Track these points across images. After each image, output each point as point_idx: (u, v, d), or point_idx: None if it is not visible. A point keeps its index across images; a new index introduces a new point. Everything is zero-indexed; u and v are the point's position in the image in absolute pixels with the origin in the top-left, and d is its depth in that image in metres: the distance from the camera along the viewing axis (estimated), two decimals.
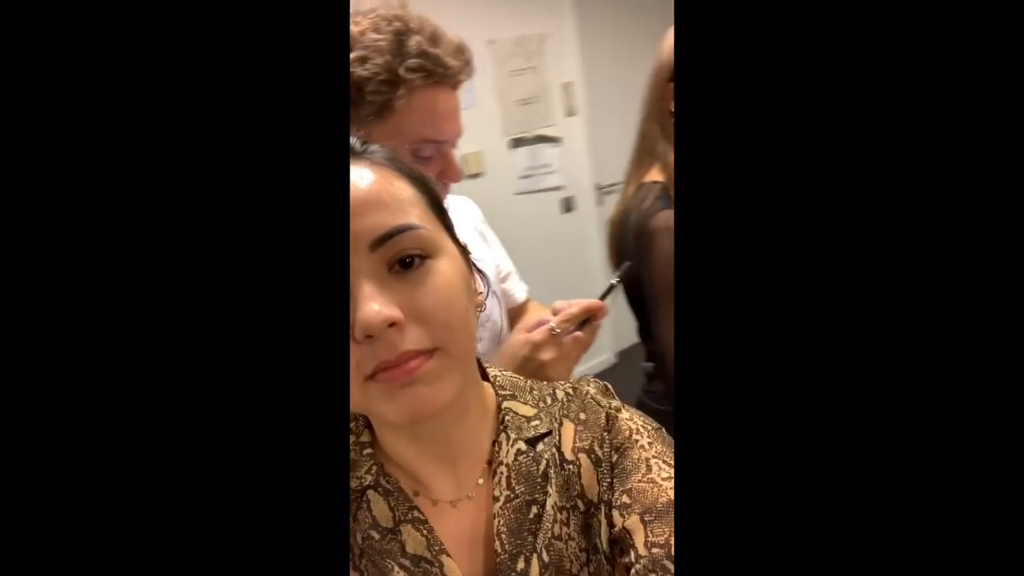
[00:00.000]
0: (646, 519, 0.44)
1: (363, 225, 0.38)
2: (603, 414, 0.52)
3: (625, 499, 0.46)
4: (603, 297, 0.77)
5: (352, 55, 0.68)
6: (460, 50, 0.73)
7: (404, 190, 0.42)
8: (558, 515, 0.47)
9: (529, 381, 0.56)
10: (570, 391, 0.54)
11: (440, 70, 0.71)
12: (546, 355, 0.71)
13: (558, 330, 0.71)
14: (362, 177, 0.40)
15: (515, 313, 1.04)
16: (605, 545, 0.47)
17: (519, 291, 1.04)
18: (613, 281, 0.80)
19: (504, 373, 0.56)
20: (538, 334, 0.71)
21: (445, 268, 0.42)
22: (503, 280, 1.00)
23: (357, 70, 0.68)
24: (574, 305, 0.73)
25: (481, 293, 0.49)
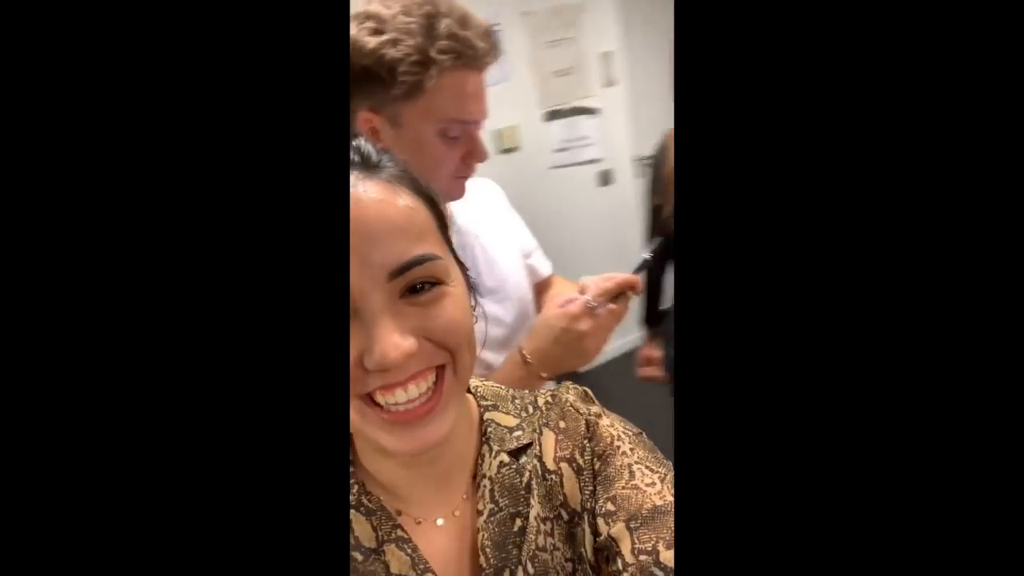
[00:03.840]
0: (631, 526, 0.44)
1: (382, 253, 0.38)
2: (583, 422, 0.52)
3: (609, 506, 0.46)
4: (636, 271, 0.78)
5: (384, 37, 0.70)
6: (488, 33, 0.75)
7: (420, 212, 0.41)
8: (542, 526, 0.47)
9: (511, 390, 0.56)
10: (550, 399, 0.55)
11: (469, 52, 0.72)
12: (583, 326, 0.74)
13: (594, 303, 0.74)
14: (380, 198, 0.39)
15: (539, 288, 1.06)
16: (590, 554, 0.47)
17: (543, 266, 1.07)
18: (646, 256, 0.80)
19: (486, 383, 0.56)
20: (575, 307, 0.75)
21: (454, 292, 0.42)
22: (528, 257, 1.03)
23: (389, 51, 0.70)
24: (609, 279, 0.76)
25: (475, 308, 0.50)
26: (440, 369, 0.42)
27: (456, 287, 0.43)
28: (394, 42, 0.70)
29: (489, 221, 0.95)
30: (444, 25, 0.71)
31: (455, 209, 0.92)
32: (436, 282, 0.41)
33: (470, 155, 0.79)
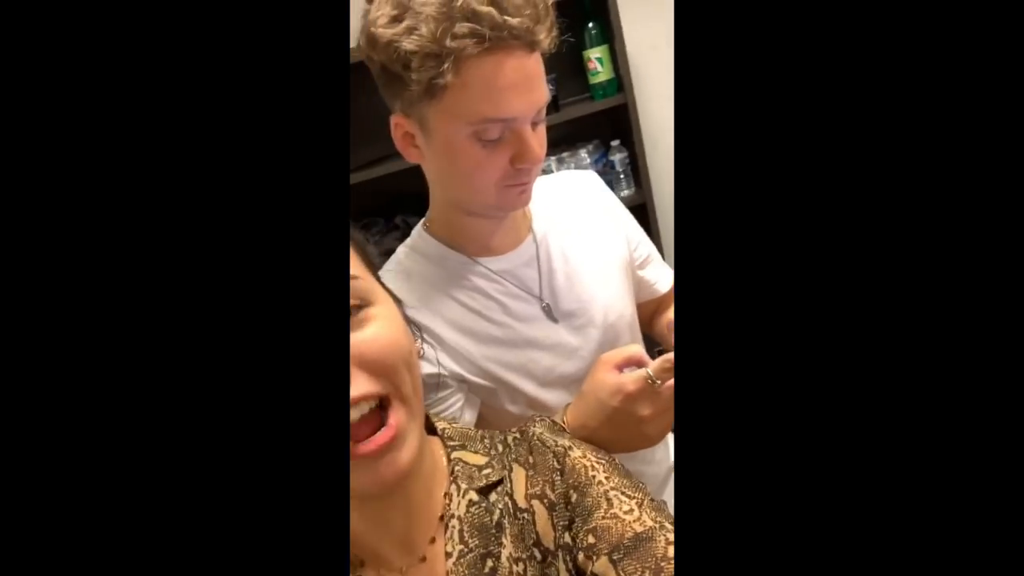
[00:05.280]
0: (615, 558, 0.43)
1: None
2: (551, 456, 0.50)
3: (591, 539, 0.45)
4: None
5: (400, 26, 0.57)
6: (531, 2, 0.57)
7: None
8: (514, 567, 0.46)
9: (480, 431, 0.54)
10: (518, 435, 0.53)
11: (496, 32, 0.56)
12: (644, 410, 0.57)
13: (657, 381, 0.56)
14: None
15: (656, 307, 0.88)
16: None
17: (662, 279, 0.86)
18: None
19: (453, 425, 0.54)
20: (632, 383, 0.57)
21: (383, 312, 0.41)
22: (640, 267, 0.84)
23: (404, 43, 0.57)
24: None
25: (417, 342, 0.47)
26: (384, 400, 0.41)
27: (385, 309, 0.42)
28: (409, 31, 0.56)
29: (575, 226, 0.79)
30: (460, 3, 0.55)
31: (535, 212, 0.78)
32: (362, 304, 0.40)
33: (518, 157, 0.63)
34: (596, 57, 1.63)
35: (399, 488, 0.43)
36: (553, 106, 1.68)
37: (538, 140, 0.64)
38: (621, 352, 0.62)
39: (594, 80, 1.66)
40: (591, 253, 0.78)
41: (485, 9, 0.55)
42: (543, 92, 0.62)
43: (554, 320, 0.75)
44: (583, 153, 1.74)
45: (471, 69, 0.57)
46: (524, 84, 0.60)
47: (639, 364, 0.60)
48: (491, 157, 0.62)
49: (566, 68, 1.72)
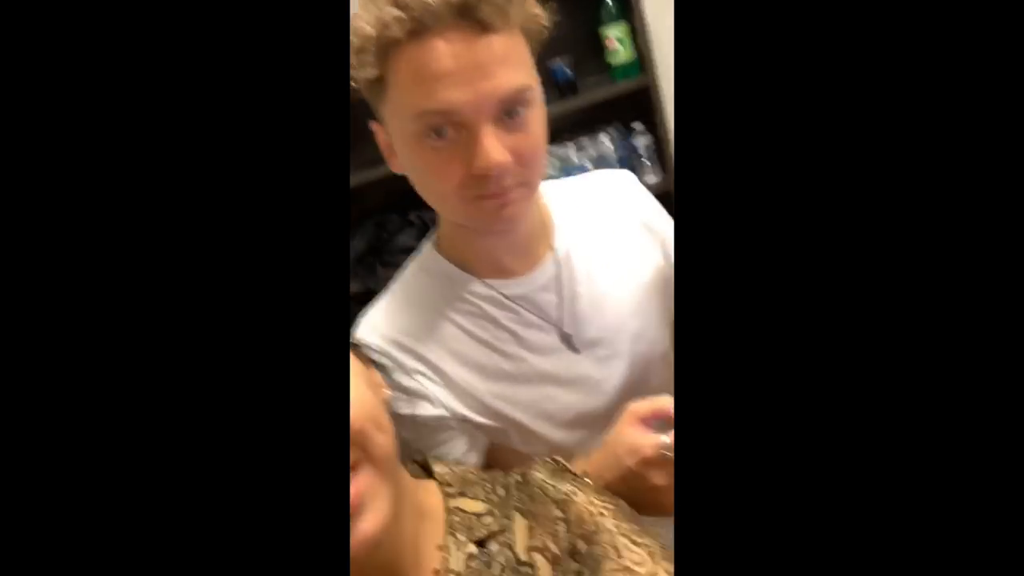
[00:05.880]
0: None
1: None
2: (552, 505, 0.47)
3: None
4: None
5: (357, 22, 0.51)
6: None
7: None
8: None
9: (480, 474, 0.52)
10: (519, 479, 0.50)
11: (423, 13, 0.47)
12: (658, 479, 0.53)
13: (670, 455, 0.53)
14: None
15: None
16: None
17: None
18: None
19: (453, 469, 0.52)
20: (651, 447, 0.53)
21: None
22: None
23: (353, 39, 0.51)
24: None
25: (383, 387, 0.44)
26: (353, 465, 0.38)
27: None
28: (354, 28, 0.51)
29: (604, 240, 0.68)
30: None
31: (557, 224, 0.67)
32: None
33: (472, 161, 0.52)
34: (615, 36, 1.53)
35: (375, 553, 0.40)
36: (571, 89, 1.59)
37: (508, 140, 0.52)
38: (651, 404, 0.56)
39: (613, 60, 1.56)
40: (622, 273, 0.68)
41: None
42: (506, 79, 0.50)
43: (575, 350, 0.65)
44: (603, 138, 1.65)
45: (400, 59, 0.50)
46: (468, 71, 0.49)
47: (668, 418, 0.55)
48: (443, 160, 0.52)
49: (583, 48, 1.62)
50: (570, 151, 1.63)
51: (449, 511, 0.48)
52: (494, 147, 0.51)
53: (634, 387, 0.65)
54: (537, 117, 0.55)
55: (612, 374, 0.66)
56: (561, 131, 1.68)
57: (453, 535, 0.46)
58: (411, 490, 0.47)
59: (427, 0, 0.47)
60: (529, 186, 0.57)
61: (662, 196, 1.79)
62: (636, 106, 1.65)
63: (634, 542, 0.46)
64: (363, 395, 0.40)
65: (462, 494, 0.49)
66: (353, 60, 0.51)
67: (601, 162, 1.65)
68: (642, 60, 1.52)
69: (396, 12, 0.48)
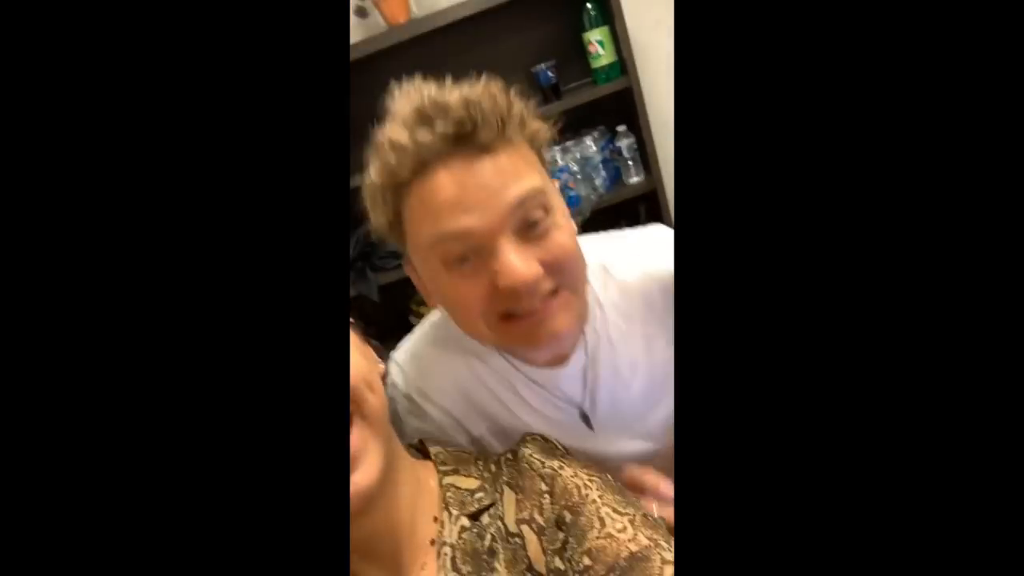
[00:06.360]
0: None
1: None
2: (538, 479, 0.50)
3: (586, 560, 0.45)
4: None
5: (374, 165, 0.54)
6: (465, 104, 0.48)
7: None
8: None
9: (475, 453, 0.55)
10: (510, 456, 0.53)
11: (421, 151, 0.49)
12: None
13: (657, 517, 0.52)
14: None
15: None
16: None
17: None
18: None
19: (447, 449, 0.54)
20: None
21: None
22: None
23: (365, 192, 0.56)
24: None
25: (379, 362, 0.46)
26: None
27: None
28: (364, 182, 0.54)
29: (631, 327, 0.64)
30: (387, 138, 0.50)
31: (591, 307, 0.64)
32: None
33: (497, 278, 0.50)
34: (596, 40, 1.56)
35: (371, 516, 0.43)
36: (555, 93, 1.62)
37: (534, 251, 0.50)
38: (645, 477, 0.59)
39: (596, 64, 1.59)
40: (646, 363, 0.65)
41: (401, 140, 0.49)
42: (514, 189, 0.49)
43: (590, 427, 0.66)
44: (588, 141, 1.68)
45: (411, 197, 0.51)
46: (473, 193, 0.48)
47: (660, 496, 0.58)
48: (470, 286, 0.51)
49: (567, 52, 1.65)
50: (555, 153, 1.65)
51: (444, 488, 0.50)
52: (516, 261, 0.49)
53: (645, 462, 0.64)
54: (560, 219, 0.53)
55: (624, 452, 0.66)
56: None
57: (447, 509, 0.49)
58: (409, 464, 0.50)
59: (423, 139, 0.48)
60: (571, 288, 0.54)
61: (648, 195, 1.81)
62: (619, 108, 1.68)
63: (617, 512, 0.47)
64: (357, 360, 0.44)
65: (456, 472, 0.52)
66: (370, 211, 0.54)
67: (586, 164, 1.67)
68: (623, 63, 1.55)
69: (397, 156, 0.49)
